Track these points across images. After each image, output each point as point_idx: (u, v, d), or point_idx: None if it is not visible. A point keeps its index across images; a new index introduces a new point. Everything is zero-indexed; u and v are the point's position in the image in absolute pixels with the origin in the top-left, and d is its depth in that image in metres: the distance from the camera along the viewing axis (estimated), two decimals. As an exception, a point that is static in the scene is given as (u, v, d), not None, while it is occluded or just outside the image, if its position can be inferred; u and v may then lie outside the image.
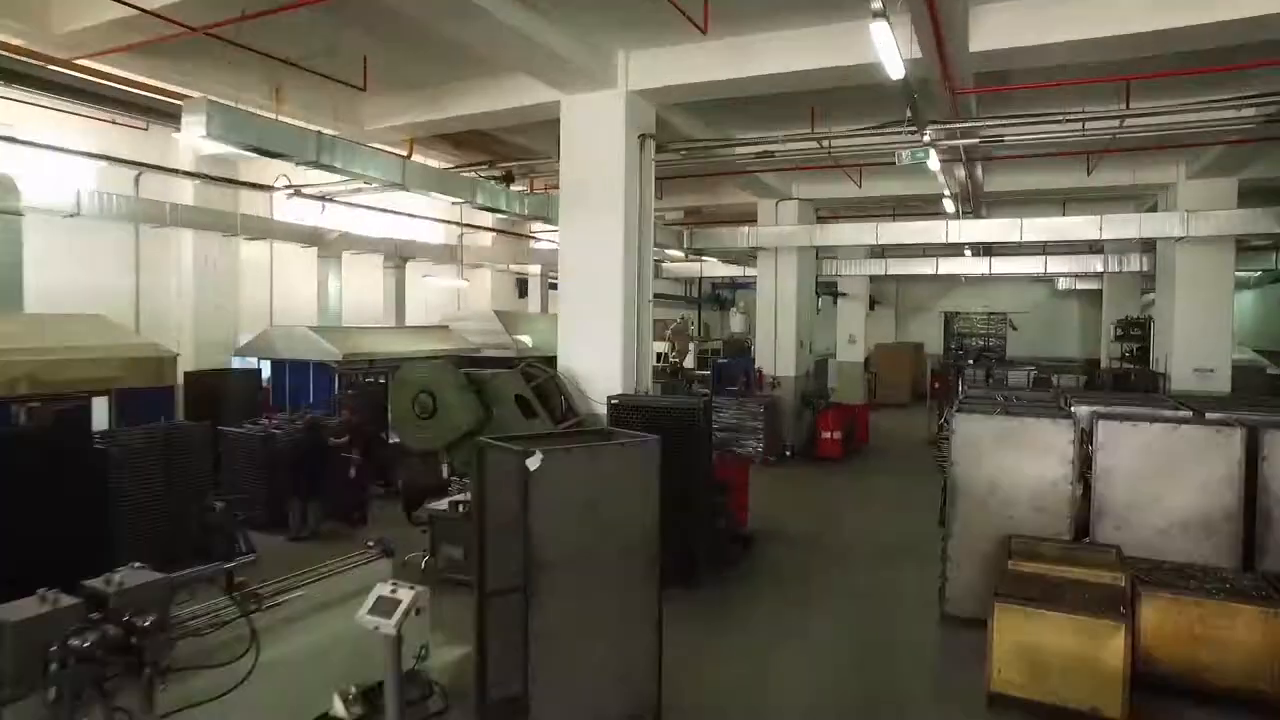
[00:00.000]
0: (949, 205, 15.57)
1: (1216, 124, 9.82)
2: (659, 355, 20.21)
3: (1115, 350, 21.95)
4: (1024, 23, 8.12)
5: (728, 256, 20.34)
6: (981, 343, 33.31)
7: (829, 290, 26.69)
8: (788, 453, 17.17)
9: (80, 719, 3.53)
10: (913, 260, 21.14)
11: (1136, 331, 19.42)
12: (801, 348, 17.93)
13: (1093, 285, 27.41)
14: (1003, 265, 19.65)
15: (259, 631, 4.23)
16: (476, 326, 17.94)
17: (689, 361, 23.00)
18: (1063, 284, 27.82)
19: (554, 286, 20.32)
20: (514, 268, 20.87)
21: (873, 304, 31.92)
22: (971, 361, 32.21)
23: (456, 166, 14.01)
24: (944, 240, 16.57)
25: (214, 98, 9.04)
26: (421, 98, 11.91)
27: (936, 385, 23.92)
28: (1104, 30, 7.83)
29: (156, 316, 13.73)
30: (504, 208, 13.50)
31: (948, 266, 20.44)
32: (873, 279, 31.04)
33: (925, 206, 17.97)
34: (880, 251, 21.99)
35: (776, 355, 17.57)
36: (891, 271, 21.26)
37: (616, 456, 5.35)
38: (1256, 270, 20.99)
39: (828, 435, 16.65)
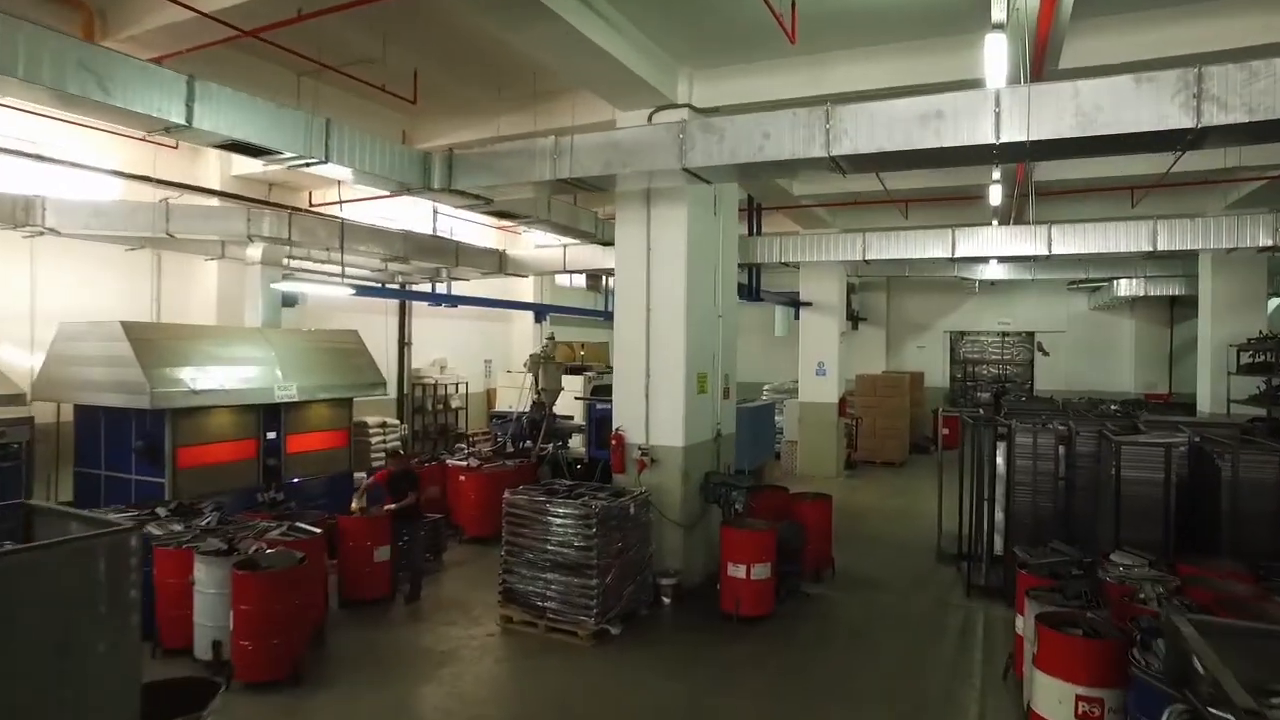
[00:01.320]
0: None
1: None
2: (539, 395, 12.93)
3: (1233, 387, 13.65)
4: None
5: (564, 224, 11.77)
6: (996, 371, 25.15)
7: (788, 300, 18.42)
8: (664, 600, 8.71)
9: None
10: (912, 236, 12.72)
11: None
12: (704, 392, 9.52)
13: (1166, 290, 19.19)
14: (1072, 242, 11.25)
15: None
16: (94, 350, 9.59)
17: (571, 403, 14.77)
18: (1123, 289, 19.45)
19: (293, 276, 11.98)
20: (251, 256, 12.30)
21: (855, 321, 23.77)
22: (987, 395, 24.59)
23: None
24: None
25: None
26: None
27: (946, 433, 15.93)
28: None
29: None
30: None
31: (973, 245, 12.00)
32: (854, 288, 23.20)
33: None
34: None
35: (651, 405, 9.16)
36: (874, 255, 12.83)
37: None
38: None
39: (740, 572, 8.15)
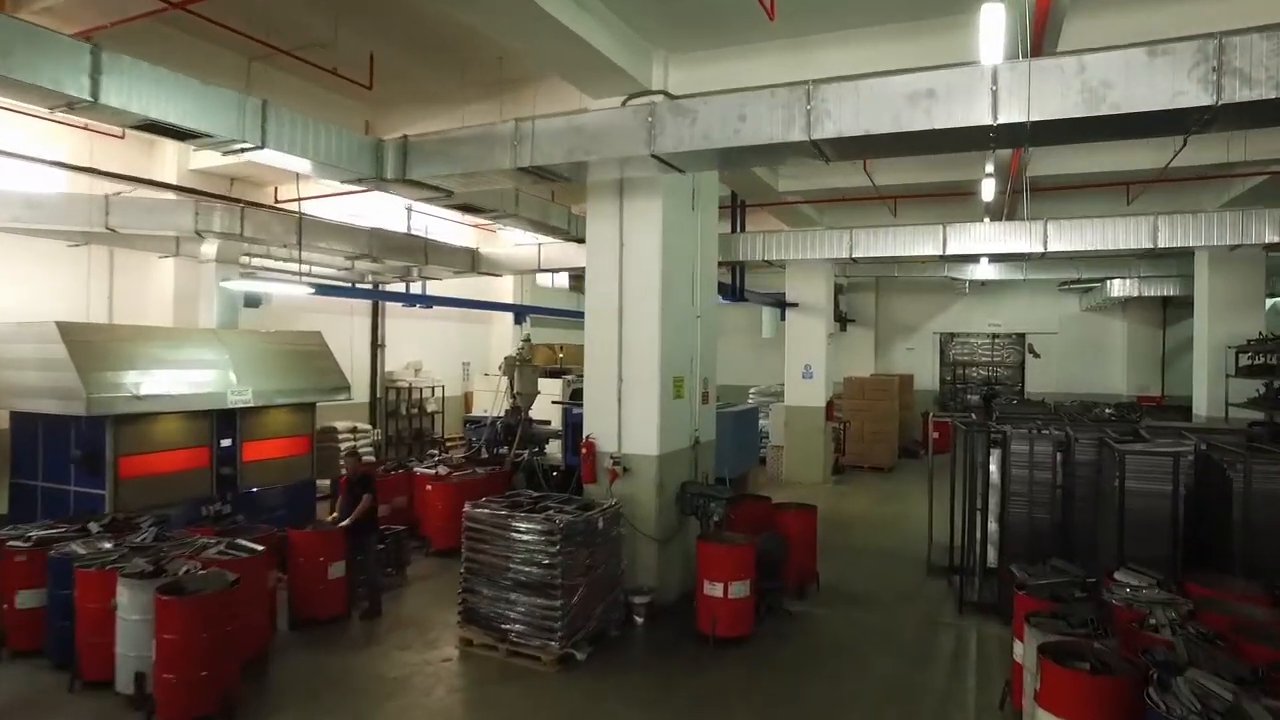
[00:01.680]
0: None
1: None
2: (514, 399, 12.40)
3: (1231, 390, 13.20)
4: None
5: (525, 216, 11.01)
6: (987, 373, 24.68)
7: (774, 301, 17.87)
8: (636, 620, 8.15)
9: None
10: (902, 232, 12.24)
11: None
12: (681, 397, 8.97)
13: (1160, 290, 18.77)
14: (1069, 239, 10.76)
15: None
16: (28, 353, 8.98)
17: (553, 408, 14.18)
18: (1116, 289, 19.02)
19: (253, 275, 11.29)
20: (205, 253, 11.62)
21: (844, 322, 23.30)
22: (977, 398, 24.11)
23: None
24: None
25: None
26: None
27: (936, 437, 15.46)
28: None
29: None
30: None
31: (965, 241, 11.52)
32: (842, 289, 22.74)
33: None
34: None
35: (624, 411, 8.60)
36: (862, 252, 12.34)
37: None
38: None
39: (716, 590, 7.60)
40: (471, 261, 14.77)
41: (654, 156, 6.45)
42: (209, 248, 11.02)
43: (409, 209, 15.03)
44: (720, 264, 12.47)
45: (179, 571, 6.33)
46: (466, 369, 20.06)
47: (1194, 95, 4.73)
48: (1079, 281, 20.72)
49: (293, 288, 11.06)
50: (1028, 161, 10.89)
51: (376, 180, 7.57)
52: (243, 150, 6.34)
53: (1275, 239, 9.84)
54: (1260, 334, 13.10)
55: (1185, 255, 15.82)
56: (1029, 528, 8.28)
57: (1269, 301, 19.78)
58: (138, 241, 10.71)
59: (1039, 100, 5.15)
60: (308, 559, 8.02)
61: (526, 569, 7.15)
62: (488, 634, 7.36)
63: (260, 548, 7.14)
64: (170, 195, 10.46)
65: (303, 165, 7.11)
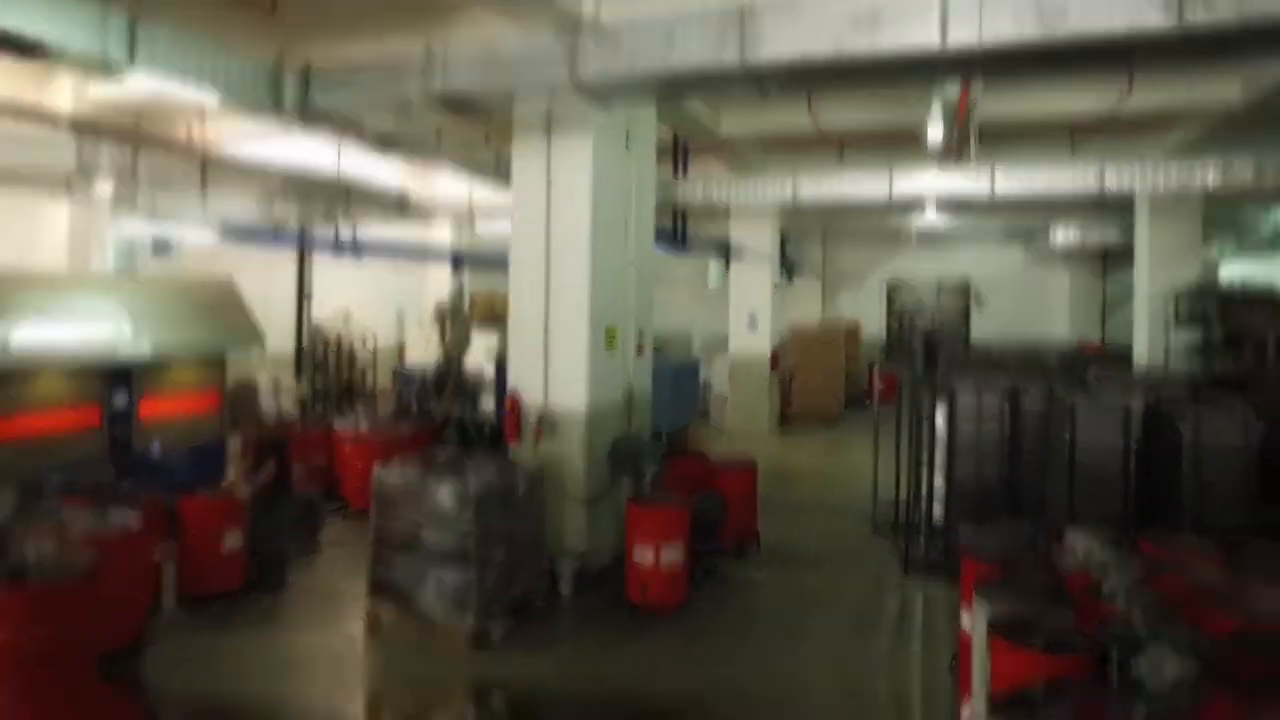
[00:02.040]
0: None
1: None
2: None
3: (1170, 340, 13.12)
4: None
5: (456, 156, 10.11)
6: (934, 322, 24.58)
7: (721, 250, 17.28)
8: (562, 588, 7.64)
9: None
10: (847, 175, 11.71)
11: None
12: (614, 348, 8.38)
13: (1102, 238, 18.68)
14: (1016, 182, 10.38)
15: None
16: None
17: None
18: (1059, 238, 18.89)
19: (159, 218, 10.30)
20: (99, 194, 10.52)
21: (790, 273, 22.85)
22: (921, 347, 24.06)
23: None
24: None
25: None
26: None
27: (883, 388, 15.20)
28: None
29: None
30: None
31: (912, 184, 11.05)
32: (789, 238, 22.25)
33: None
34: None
35: (551, 363, 7.99)
36: (806, 195, 11.82)
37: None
38: None
39: (647, 555, 7.12)
40: (399, 205, 13.86)
41: (576, 86, 5.76)
42: (103, 188, 9.99)
43: (339, 150, 14.04)
44: (661, 210, 11.84)
45: (30, 554, 5.59)
46: (401, 318, 19.21)
47: (1156, 17, 4.26)
48: (1023, 231, 20.63)
49: (200, 232, 10.12)
50: (975, 103, 10.41)
51: (273, 110, 6.74)
52: (108, 71, 5.48)
53: (1219, 183, 9.57)
54: (1213, 286, 13.02)
55: (1126, 208, 15.69)
56: (976, 483, 7.95)
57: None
58: (16, 180, 9.63)
59: (991, 20, 4.61)
60: (198, 529, 7.32)
61: (439, 536, 6.58)
62: (398, 607, 6.80)
63: (133, 519, 6.41)
64: (57, 130, 9.39)
65: (188, 91, 6.25)
